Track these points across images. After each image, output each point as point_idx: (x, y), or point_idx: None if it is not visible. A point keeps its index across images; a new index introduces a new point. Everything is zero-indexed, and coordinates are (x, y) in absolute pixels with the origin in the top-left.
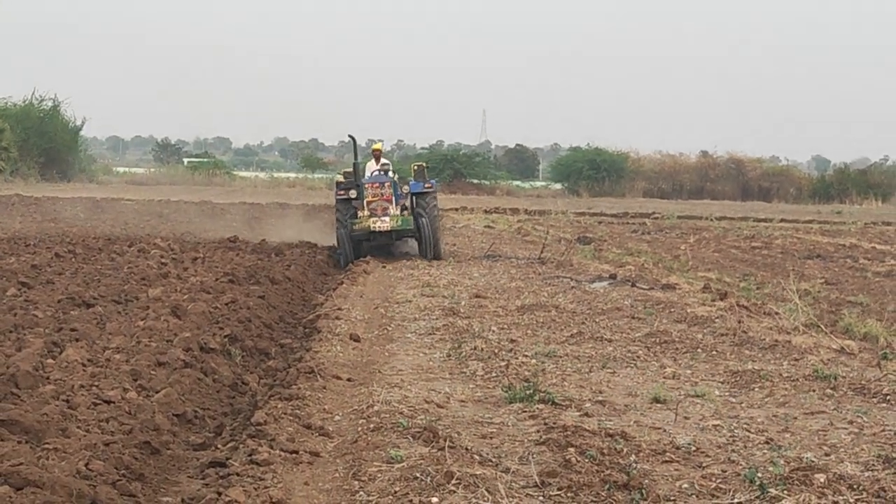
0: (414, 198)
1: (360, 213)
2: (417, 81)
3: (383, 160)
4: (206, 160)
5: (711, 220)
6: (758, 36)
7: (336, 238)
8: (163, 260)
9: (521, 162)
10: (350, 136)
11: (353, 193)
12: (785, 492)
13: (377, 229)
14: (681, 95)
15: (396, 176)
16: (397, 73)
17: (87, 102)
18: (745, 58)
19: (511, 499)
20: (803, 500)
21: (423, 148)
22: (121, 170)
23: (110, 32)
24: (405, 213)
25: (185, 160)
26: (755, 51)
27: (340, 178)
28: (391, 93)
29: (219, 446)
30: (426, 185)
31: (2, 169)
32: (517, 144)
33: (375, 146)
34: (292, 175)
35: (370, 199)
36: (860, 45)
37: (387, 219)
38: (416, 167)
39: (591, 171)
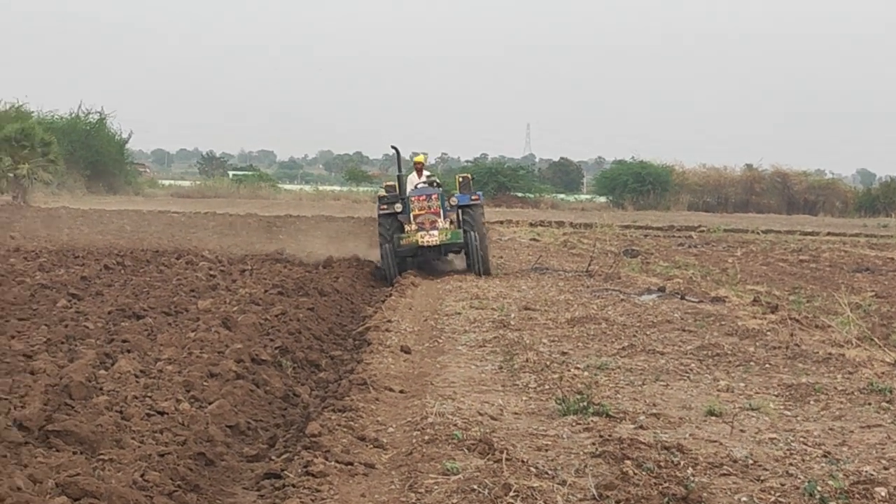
0: (460, 211)
1: (406, 228)
2: (462, 95)
3: (426, 172)
4: (251, 173)
5: (758, 233)
6: (800, 50)
7: (380, 254)
8: (211, 272)
9: (565, 175)
10: (393, 147)
11: (398, 207)
12: None
13: (426, 244)
14: (723, 109)
15: (442, 189)
16: (441, 87)
17: (132, 115)
18: (787, 70)
19: None
20: None
21: (467, 161)
22: (166, 182)
23: (156, 47)
24: (453, 226)
25: (230, 173)
26: (797, 63)
27: (382, 192)
28: (435, 106)
29: (273, 458)
30: (472, 197)
31: (49, 182)
32: (561, 158)
33: (418, 158)
34: (337, 188)
35: (417, 212)
36: None
37: (435, 233)
38: (460, 179)
39: (636, 184)
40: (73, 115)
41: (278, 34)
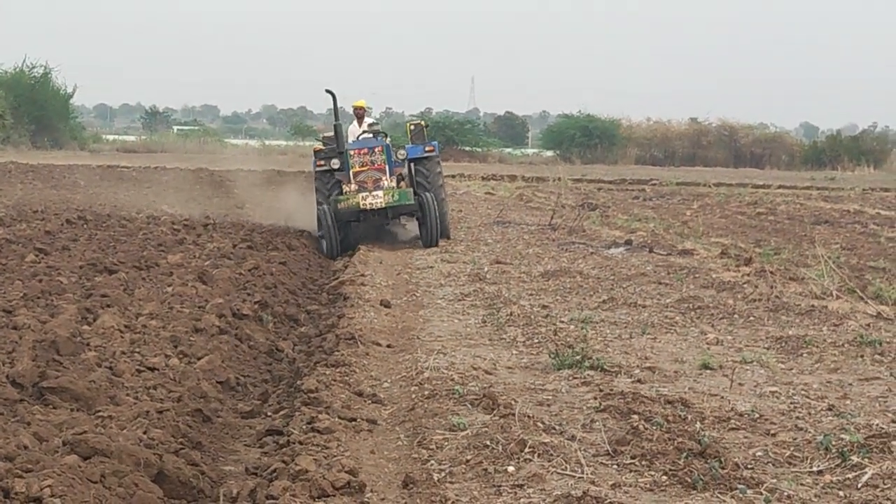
0: (412, 165)
1: (345, 188)
2: (404, 50)
3: (369, 119)
4: (196, 128)
5: (709, 186)
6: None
7: (317, 220)
8: (175, 227)
9: (510, 129)
10: (328, 91)
11: (335, 163)
12: (866, 459)
13: (368, 207)
14: (665, 62)
15: (389, 139)
16: (384, 39)
17: (73, 70)
18: (729, 24)
19: (588, 467)
20: (886, 468)
21: (412, 115)
22: (110, 137)
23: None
24: (402, 184)
25: (175, 128)
26: (738, 16)
27: (319, 145)
28: (378, 60)
29: (268, 414)
30: (427, 149)
31: None
32: (506, 112)
33: (357, 103)
34: (283, 143)
35: (358, 169)
36: (841, 13)
37: (380, 193)
38: (412, 126)
39: (584, 138)
40: (18, 69)
41: None
